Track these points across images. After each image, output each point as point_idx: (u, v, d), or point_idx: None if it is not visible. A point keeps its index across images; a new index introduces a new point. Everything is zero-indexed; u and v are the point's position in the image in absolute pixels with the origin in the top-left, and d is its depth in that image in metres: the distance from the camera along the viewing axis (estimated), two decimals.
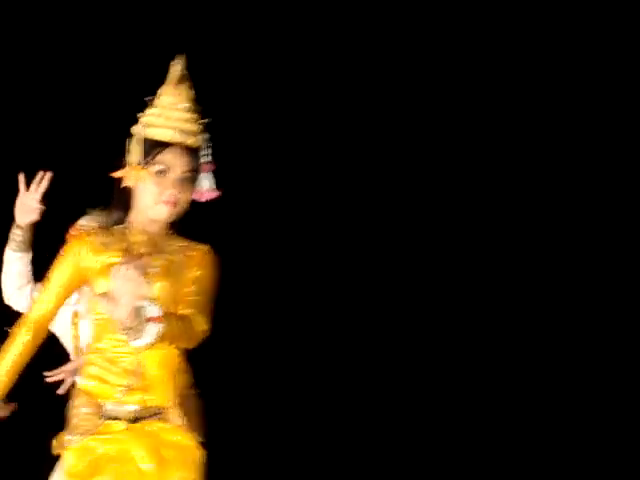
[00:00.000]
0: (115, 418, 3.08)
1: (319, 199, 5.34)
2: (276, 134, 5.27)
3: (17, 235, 3.58)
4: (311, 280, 5.35)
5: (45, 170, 3.37)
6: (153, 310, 2.83)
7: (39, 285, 3.63)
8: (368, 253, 5.38)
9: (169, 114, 3.05)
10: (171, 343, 2.96)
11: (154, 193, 3.04)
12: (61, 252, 3.16)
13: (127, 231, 3.13)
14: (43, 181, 3.52)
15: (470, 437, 5.27)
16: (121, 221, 3.15)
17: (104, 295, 2.86)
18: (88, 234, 3.14)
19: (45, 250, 3.31)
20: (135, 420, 3.07)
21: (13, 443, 4.70)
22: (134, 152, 3.06)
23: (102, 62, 5.06)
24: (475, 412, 5.30)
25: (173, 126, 3.04)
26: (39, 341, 3.17)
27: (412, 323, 5.36)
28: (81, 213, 3.34)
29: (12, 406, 3.34)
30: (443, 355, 5.36)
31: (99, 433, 3.08)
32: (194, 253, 3.12)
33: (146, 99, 3.09)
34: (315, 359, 5.32)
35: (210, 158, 3.12)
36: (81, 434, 3.09)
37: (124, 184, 3.08)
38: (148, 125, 3.06)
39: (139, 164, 3.05)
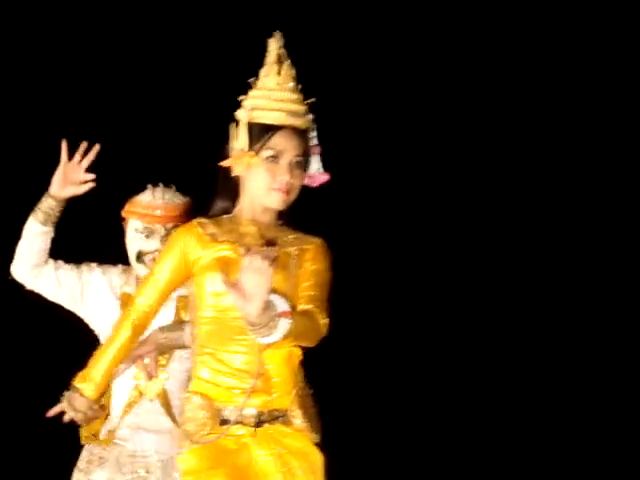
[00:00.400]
0: (236, 423, 2.87)
1: (424, 183, 5.22)
2: (376, 117, 5.10)
3: (50, 207, 3.42)
4: (421, 275, 5.23)
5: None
6: (283, 304, 2.68)
7: (60, 263, 3.61)
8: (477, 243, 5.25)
9: (275, 95, 2.89)
10: (295, 340, 2.80)
11: (266, 180, 2.87)
12: (167, 243, 2.98)
13: (236, 221, 2.94)
14: (90, 153, 3.37)
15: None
16: (227, 211, 2.96)
17: (231, 288, 2.63)
18: (197, 224, 2.93)
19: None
20: (258, 424, 2.87)
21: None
22: (241, 138, 2.88)
23: (198, 44, 4.93)
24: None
25: (281, 108, 2.88)
26: (137, 339, 3.01)
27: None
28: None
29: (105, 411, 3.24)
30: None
31: (220, 439, 2.87)
32: (308, 246, 2.94)
33: (249, 81, 2.93)
34: (421, 355, 5.22)
35: (316, 140, 2.96)
36: (200, 440, 2.88)
37: (233, 173, 2.91)
38: (254, 109, 2.89)
39: (248, 151, 2.88)
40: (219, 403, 2.87)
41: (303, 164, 2.91)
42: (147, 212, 3.58)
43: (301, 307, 2.84)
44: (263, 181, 2.87)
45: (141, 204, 3.61)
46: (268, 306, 2.62)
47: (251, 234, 2.90)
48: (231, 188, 2.94)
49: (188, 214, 3.51)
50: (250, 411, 2.86)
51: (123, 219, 3.67)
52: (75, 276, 3.62)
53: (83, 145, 3.38)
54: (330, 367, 4.56)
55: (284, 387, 2.88)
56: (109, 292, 3.63)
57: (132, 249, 3.61)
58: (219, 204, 2.97)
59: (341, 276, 3.00)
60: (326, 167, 2.96)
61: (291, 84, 2.90)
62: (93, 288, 3.63)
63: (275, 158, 2.86)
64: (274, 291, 2.71)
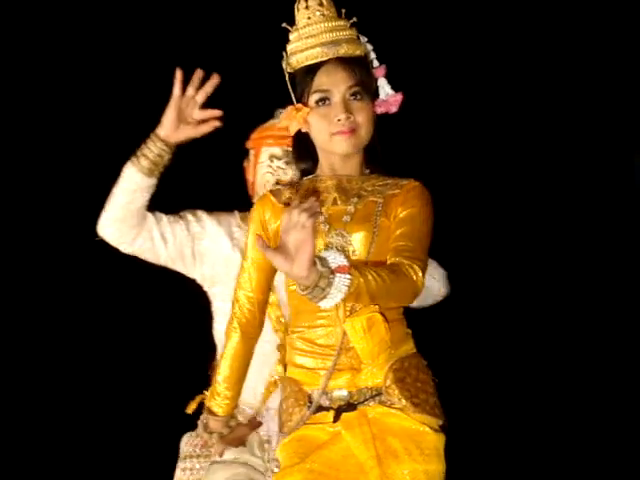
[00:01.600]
0: (325, 408, 2.56)
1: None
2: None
3: (158, 154, 2.85)
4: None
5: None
6: (337, 259, 2.34)
7: (160, 215, 3.07)
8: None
9: (307, 32, 2.61)
10: (373, 301, 2.44)
11: (323, 127, 2.58)
12: (249, 223, 2.72)
13: (315, 180, 2.66)
14: (206, 85, 2.83)
15: None
16: (310, 171, 2.69)
17: (270, 252, 2.34)
18: (269, 194, 2.68)
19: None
20: (348, 407, 2.55)
21: None
22: (291, 91, 2.62)
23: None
24: None
25: (315, 43, 2.59)
26: (251, 336, 2.71)
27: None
28: None
29: (255, 423, 3.03)
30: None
31: (309, 427, 2.58)
32: (397, 191, 2.59)
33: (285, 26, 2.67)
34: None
35: (377, 62, 2.64)
36: (289, 431, 2.61)
37: (291, 131, 2.64)
38: (291, 55, 2.63)
39: (299, 102, 2.62)
40: (307, 387, 2.59)
41: (365, 93, 2.59)
42: (286, 134, 2.83)
43: (390, 260, 2.49)
44: (321, 129, 2.59)
45: (277, 127, 3.11)
46: (322, 264, 2.31)
47: (328, 189, 2.62)
48: (305, 147, 2.67)
49: None
50: (339, 393, 2.55)
51: (246, 155, 3.24)
52: (183, 230, 3.11)
53: (198, 74, 2.85)
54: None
55: (371, 361, 2.54)
56: (228, 244, 3.17)
57: (268, 182, 3.14)
58: (300, 166, 2.71)
59: None
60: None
61: (321, 13, 2.61)
62: (208, 242, 3.14)
63: (326, 100, 2.58)
64: (354, 251, 2.51)
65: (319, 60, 2.59)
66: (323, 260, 2.33)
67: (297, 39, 2.62)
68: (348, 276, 2.33)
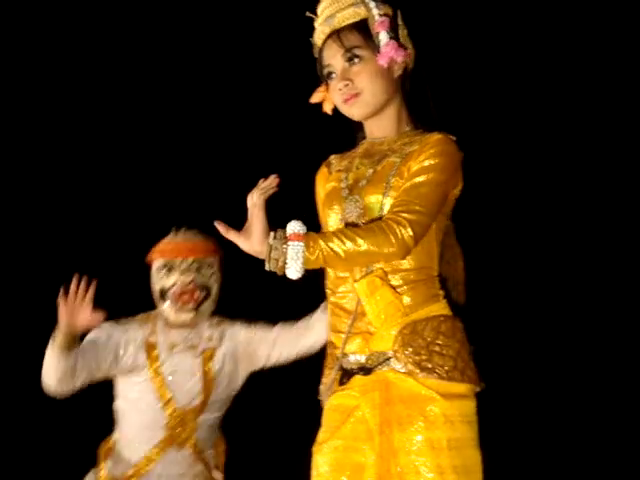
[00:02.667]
0: (346, 370, 2.56)
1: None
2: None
3: (66, 341, 3.26)
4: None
5: None
6: (294, 228, 2.37)
7: (82, 348, 3.43)
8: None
9: (318, 13, 2.68)
10: (347, 263, 2.43)
11: (336, 99, 2.66)
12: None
13: (360, 145, 2.72)
14: (90, 289, 3.19)
15: None
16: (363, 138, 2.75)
17: (231, 232, 2.43)
18: (324, 164, 2.76)
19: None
20: (363, 371, 2.53)
21: None
22: (319, 73, 2.71)
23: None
24: None
25: (319, 23, 2.67)
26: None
27: None
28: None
29: None
30: None
31: (337, 390, 2.59)
32: (416, 147, 2.55)
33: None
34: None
35: (379, 17, 2.61)
36: (324, 393, 2.63)
37: (325, 109, 2.73)
38: (314, 39, 2.72)
39: (321, 82, 2.71)
40: (336, 350, 2.60)
41: (363, 54, 2.59)
42: (167, 247, 3.60)
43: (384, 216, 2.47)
44: (335, 102, 2.66)
45: (162, 242, 3.64)
46: (279, 235, 2.37)
47: (361, 154, 2.66)
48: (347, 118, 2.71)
49: (213, 252, 3.57)
50: (354, 357, 2.55)
51: (150, 268, 3.67)
52: (102, 350, 3.50)
53: (77, 284, 3.19)
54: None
55: (380, 325, 2.50)
56: (134, 348, 3.56)
57: (156, 290, 3.61)
58: (358, 135, 2.75)
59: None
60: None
61: None
62: (120, 350, 3.54)
63: (331, 73, 2.64)
64: (365, 214, 2.51)
65: (322, 38, 2.65)
66: (281, 232, 2.37)
67: (315, 21, 2.70)
68: (301, 243, 2.35)
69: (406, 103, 2.66)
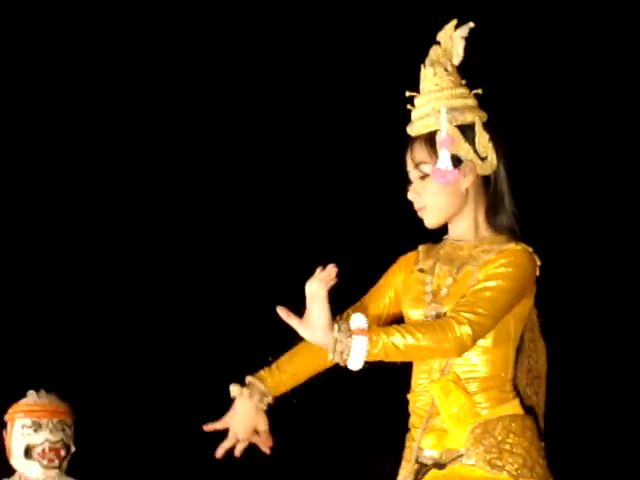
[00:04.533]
0: (422, 463, 2.71)
1: None
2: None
3: None
4: None
5: None
6: (357, 321, 2.48)
7: None
8: None
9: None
10: (405, 358, 2.55)
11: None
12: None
13: (444, 244, 2.80)
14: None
15: None
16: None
17: (294, 321, 2.49)
18: (414, 253, 2.84)
19: None
20: (437, 466, 2.67)
21: None
22: None
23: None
24: None
25: (410, 121, 2.75)
26: None
27: None
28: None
29: None
30: None
31: None
32: (493, 256, 2.64)
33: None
34: None
35: (445, 134, 2.65)
36: None
37: None
38: None
39: None
40: (414, 443, 2.73)
41: (428, 171, 2.67)
42: (33, 408, 3.89)
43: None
44: None
45: (27, 402, 3.92)
46: (336, 329, 2.45)
47: (440, 256, 2.74)
48: None
49: (72, 414, 3.92)
50: (429, 452, 2.69)
51: (4, 428, 3.93)
52: None
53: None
54: None
55: (454, 424, 2.64)
56: None
57: (19, 448, 3.87)
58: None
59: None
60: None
61: (421, 86, 2.73)
62: None
63: (409, 177, 2.74)
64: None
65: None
66: (345, 324, 2.47)
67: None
68: (365, 338, 2.45)
69: (484, 208, 2.73)
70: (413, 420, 2.73)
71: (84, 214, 4.94)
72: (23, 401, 3.93)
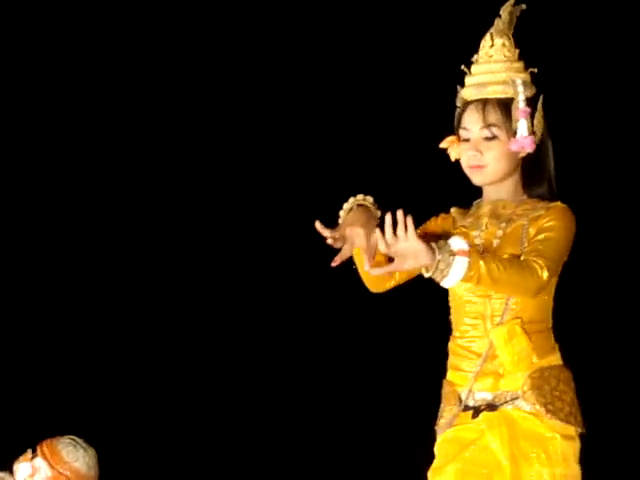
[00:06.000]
0: (470, 407, 2.85)
1: None
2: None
3: None
4: None
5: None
6: (458, 243, 2.63)
7: None
8: None
9: (473, 70, 2.90)
10: (495, 285, 2.68)
11: (463, 160, 2.89)
12: None
13: (479, 204, 2.96)
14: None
15: None
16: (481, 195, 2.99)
17: (392, 266, 2.64)
18: (447, 213, 2.99)
19: None
20: (489, 408, 2.82)
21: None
22: (455, 121, 2.94)
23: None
24: None
25: (472, 83, 2.89)
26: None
27: None
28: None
29: None
30: None
31: (458, 424, 2.87)
32: (542, 212, 2.83)
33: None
34: None
35: (523, 105, 2.84)
36: (442, 427, 2.91)
37: (453, 157, 2.94)
38: (460, 90, 2.94)
39: (455, 135, 2.93)
40: (458, 388, 2.88)
41: (499, 134, 2.83)
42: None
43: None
44: (462, 161, 2.89)
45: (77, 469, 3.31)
46: (442, 248, 2.59)
47: (484, 215, 2.89)
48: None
49: None
50: (481, 395, 2.83)
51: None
52: None
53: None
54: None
55: (512, 367, 2.81)
56: None
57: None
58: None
59: None
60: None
61: (490, 54, 2.88)
62: None
63: (466, 136, 2.87)
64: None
65: (469, 99, 2.88)
66: (445, 245, 2.61)
67: (467, 76, 2.91)
68: (467, 259, 2.60)
69: (523, 175, 2.91)
70: (459, 364, 2.87)
71: (84, 215, 4.92)
72: (75, 465, 3.27)
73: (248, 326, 4.77)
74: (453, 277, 2.61)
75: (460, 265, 2.60)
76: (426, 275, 2.63)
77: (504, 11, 2.91)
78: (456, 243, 2.62)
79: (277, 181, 4.77)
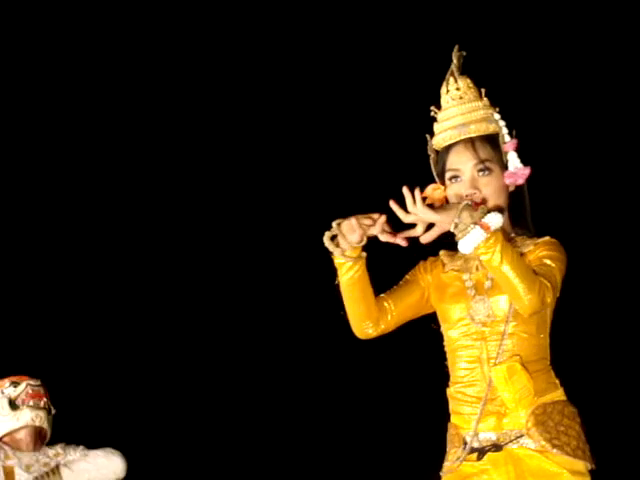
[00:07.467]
0: (475, 449, 2.83)
1: None
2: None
3: None
4: None
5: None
6: (491, 219, 2.64)
7: None
8: None
9: (444, 115, 2.90)
10: (505, 265, 2.64)
11: (456, 201, 2.83)
12: None
13: None
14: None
15: None
16: None
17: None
18: (436, 257, 2.98)
19: None
20: (494, 448, 2.81)
21: None
22: (433, 169, 2.94)
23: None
24: None
25: (449, 126, 2.88)
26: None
27: None
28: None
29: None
30: None
31: (464, 466, 2.85)
32: (532, 247, 2.83)
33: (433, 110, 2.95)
34: None
35: (508, 138, 2.86)
36: (447, 470, 2.89)
37: (431, 202, 2.89)
38: (434, 135, 2.93)
39: (440, 179, 2.91)
40: (462, 431, 2.87)
41: (492, 168, 2.84)
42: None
43: None
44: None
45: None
46: (472, 214, 2.62)
47: (473, 256, 2.81)
48: None
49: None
50: (485, 435, 2.82)
51: None
52: None
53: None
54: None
55: (514, 406, 2.79)
56: None
57: None
58: None
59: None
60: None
61: (459, 95, 2.88)
62: None
63: (457, 177, 2.85)
64: (494, 315, 2.76)
65: (451, 142, 2.87)
66: (475, 213, 2.63)
67: (438, 122, 2.91)
68: (484, 234, 2.61)
69: (510, 211, 2.90)
70: (460, 409, 2.87)
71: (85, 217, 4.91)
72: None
73: (248, 330, 4.79)
74: (467, 244, 2.62)
75: (475, 236, 2.61)
76: (453, 229, 2.65)
77: (455, 56, 2.90)
78: (490, 218, 2.63)
79: (278, 183, 4.76)
